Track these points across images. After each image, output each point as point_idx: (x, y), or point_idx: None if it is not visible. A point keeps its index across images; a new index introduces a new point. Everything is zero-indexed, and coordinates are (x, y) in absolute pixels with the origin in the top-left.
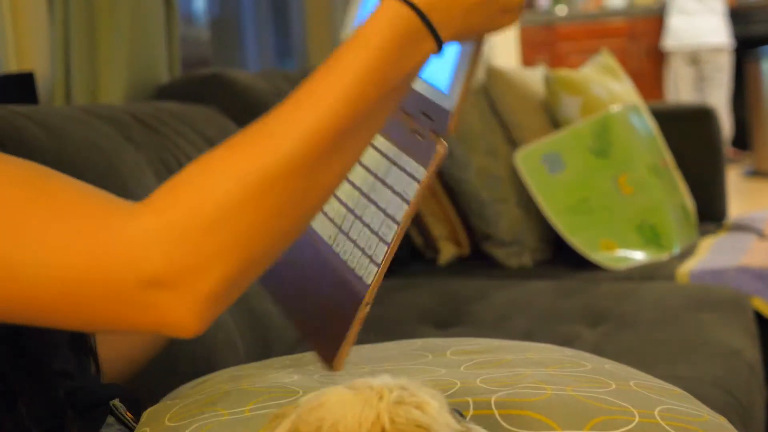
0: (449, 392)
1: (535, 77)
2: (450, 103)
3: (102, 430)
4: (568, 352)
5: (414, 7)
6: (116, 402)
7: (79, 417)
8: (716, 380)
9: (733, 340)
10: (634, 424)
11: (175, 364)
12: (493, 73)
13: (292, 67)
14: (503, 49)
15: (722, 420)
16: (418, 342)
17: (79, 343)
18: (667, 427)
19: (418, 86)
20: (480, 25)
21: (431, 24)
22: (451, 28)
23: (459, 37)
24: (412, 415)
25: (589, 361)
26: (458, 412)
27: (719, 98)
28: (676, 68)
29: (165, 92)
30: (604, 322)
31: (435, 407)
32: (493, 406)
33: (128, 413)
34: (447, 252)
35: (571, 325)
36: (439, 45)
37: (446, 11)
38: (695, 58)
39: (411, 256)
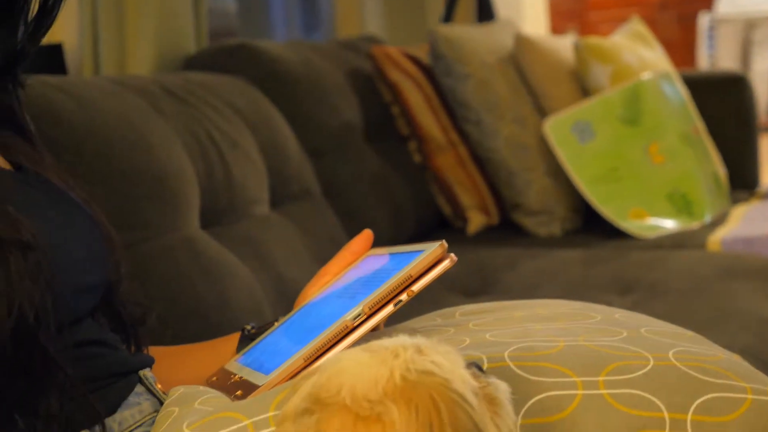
0: (459, 347)
1: (564, 45)
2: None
3: (130, 398)
4: (577, 305)
5: None
6: (146, 372)
7: (108, 383)
8: (746, 348)
9: (764, 308)
10: (649, 367)
11: (203, 333)
12: (522, 42)
13: (319, 39)
14: (532, 17)
15: (737, 357)
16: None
17: (111, 313)
18: (683, 367)
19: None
20: None
21: None
22: None
23: None
24: (426, 368)
25: (598, 312)
26: (477, 366)
27: (765, 66)
28: (725, 36)
29: (192, 63)
30: (634, 291)
31: (450, 362)
32: (507, 359)
33: (158, 384)
34: (476, 221)
35: (600, 294)
36: None
37: None
38: (750, 25)
39: (439, 225)
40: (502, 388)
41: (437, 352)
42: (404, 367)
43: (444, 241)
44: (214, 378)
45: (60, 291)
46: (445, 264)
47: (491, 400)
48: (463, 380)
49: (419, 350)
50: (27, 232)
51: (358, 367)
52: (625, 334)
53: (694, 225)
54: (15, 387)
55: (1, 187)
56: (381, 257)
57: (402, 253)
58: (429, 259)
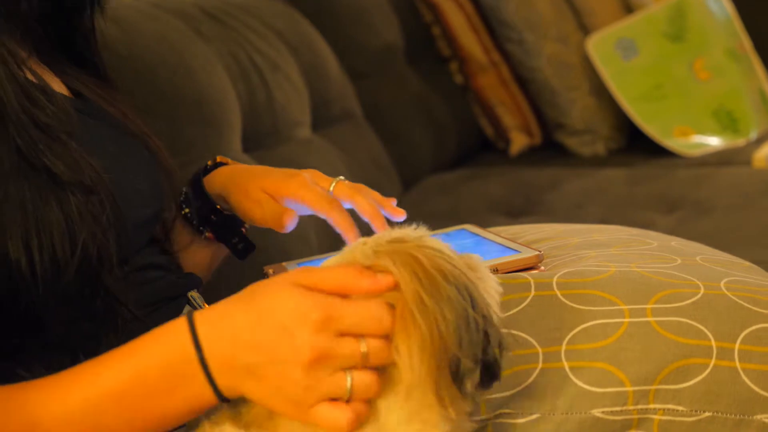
0: None
1: None
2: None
3: None
4: (634, 231)
5: (197, 346)
6: (194, 293)
7: (157, 307)
8: None
9: None
10: (699, 295)
11: (250, 256)
12: None
13: None
14: None
15: None
16: None
17: (156, 240)
18: (733, 297)
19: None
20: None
21: (209, 371)
22: (234, 381)
23: (250, 396)
24: (394, 236)
25: (655, 239)
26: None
27: None
28: None
29: None
30: (680, 209)
31: (417, 233)
32: (554, 287)
33: (205, 304)
34: (518, 142)
35: (645, 212)
36: (219, 394)
37: (229, 361)
38: None
39: (482, 146)
40: (476, 258)
41: (402, 229)
42: (373, 244)
43: (542, 252)
44: (271, 270)
45: (122, 226)
46: (534, 273)
47: (471, 267)
48: (437, 241)
49: (385, 232)
50: (89, 173)
51: (331, 263)
52: (679, 261)
53: (740, 142)
54: (78, 329)
55: (64, 121)
56: (474, 236)
57: (497, 243)
58: (520, 263)
